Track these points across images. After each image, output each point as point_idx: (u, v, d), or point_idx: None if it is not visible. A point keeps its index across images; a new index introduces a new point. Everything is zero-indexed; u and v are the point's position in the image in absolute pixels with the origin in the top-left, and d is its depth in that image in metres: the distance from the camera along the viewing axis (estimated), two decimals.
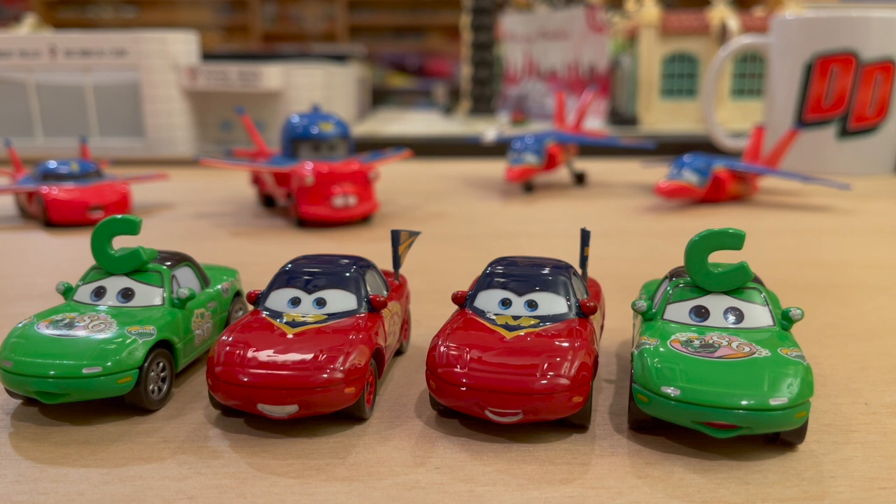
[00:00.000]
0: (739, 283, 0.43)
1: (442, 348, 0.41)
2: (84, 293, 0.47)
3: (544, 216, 0.99)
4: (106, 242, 0.47)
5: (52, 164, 0.95)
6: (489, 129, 1.56)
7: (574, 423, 0.40)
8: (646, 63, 1.74)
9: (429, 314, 0.58)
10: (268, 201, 1.03)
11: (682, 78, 1.77)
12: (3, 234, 0.89)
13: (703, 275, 0.43)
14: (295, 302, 0.45)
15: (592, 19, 1.77)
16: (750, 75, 1.76)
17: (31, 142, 1.42)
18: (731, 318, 0.42)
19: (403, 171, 1.32)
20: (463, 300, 0.46)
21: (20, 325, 0.43)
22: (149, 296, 0.46)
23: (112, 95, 1.40)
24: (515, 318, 0.43)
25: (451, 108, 2.19)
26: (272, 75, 1.39)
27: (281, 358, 0.39)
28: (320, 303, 0.44)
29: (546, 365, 0.38)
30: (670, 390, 0.37)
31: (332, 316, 0.44)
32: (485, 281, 0.46)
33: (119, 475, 0.36)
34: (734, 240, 0.43)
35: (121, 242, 0.49)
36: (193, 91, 1.42)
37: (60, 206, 0.90)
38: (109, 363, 0.40)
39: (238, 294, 0.55)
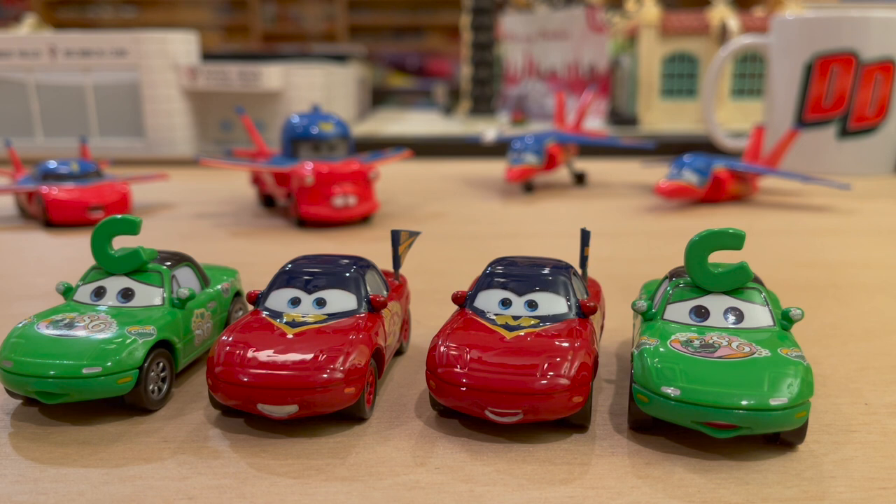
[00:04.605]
0: (739, 283, 0.43)
1: (442, 348, 0.41)
2: (84, 293, 0.47)
3: (544, 216, 0.99)
4: (106, 242, 0.47)
5: (52, 164, 0.95)
6: (489, 129, 1.56)
7: (574, 423, 0.40)
8: (646, 63, 1.74)
9: (429, 314, 0.58)
10: (268, 201, 1.03)
11: (682, 78, 1.77)
12: (3, 234, 0.89)
13: (703, 275, 0.43)
14: (295, 302, 0.45)
15: (592, 19, 1.77)
16: (750, 75, 1.76)
17: (31, 142, 1.42)
18: (731, 318, 0.42)
19: (403, 171, 1.32)
20: (463, 300, 0.46)
21: (20, 325, 0.43)
22: (149, 296, 0.46)
23: (112, 95, 1.40)
24: (515, 318, 0.43)
25: (451, 108, 2.19)
26: (272, 75, 1.39)
27: (281, 358, 0.39)
28: (320, 303, 0.44)
29: (546, 365, 0.38)
30: (670, 390, 0.37)
31: (332, 316, 0.44)
32: (485, 281, 0.46)
33: (119, 475, 0.36)
34: (734, 240, 0.43)
35: (121, 242, 0.49)
36: (193, 91, 1.42)
37: (60, 206, 0.90)
38: (109, 363, 0.40)
39: (238, 294, 0.55)
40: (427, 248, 0.78)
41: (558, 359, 0.39)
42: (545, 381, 0.38)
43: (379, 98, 2.62)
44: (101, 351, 0.40)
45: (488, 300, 0.45)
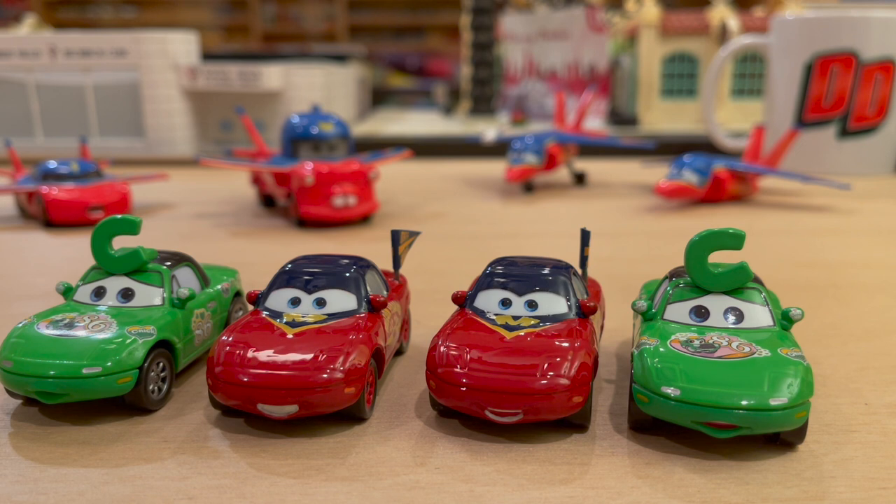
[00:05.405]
0: (739, 283, 0.43)
1: (442, 348, 0.41)
2: (84, 293, 0.47)
3: (544, 216, 0.99)
4: (106, 242, 0.47)
5: (52, 164, 0.95)
6: (489, 129, 1.56)
7: (574, 423, 0.40)
8: (646, 63, 1.74)
9: (429, 314, 0.58)
10: (268, 201, 1.03)
11: (682, 78, 1.77)
12: (3, 234, 0.89)
13: (703, 275, 0.43)
14: (295, 302, 0.45)
15: (592, 19, 1.77)
16: (750, 75, 1.76)
17: (31, 142, 1.42)
18: (731, 318, 0.42)
19: (403, 171, 1.32)
20: (463, 300, 0.46)
21: (20, 325, 0.43)
22: (149, 296, 0.46)
23: (112, 95, 1.40)
24: (515, 318, 0.43)
25: (451, 108, 2.19)
26: (272, 75, 1.39)
27: (281, 358, 0.39)
28: (320, 303, 0.44)
29: (546, 365, 0.38)
30: (670, 390, 0.37)
31: (332, 316, 0.44)
32: (485, 281, 0.46)
33: (119, 475, 0.36)
34: (734, 240, 0.43)
35: (121, 242, 0.49)
36: (193, 91, 1.42)
37: (60, 206, 0.90)
38: (109, 363, 0.40)
39: (238, 294, 0.55)
40: (427, 248, 0.78)
41: (558, 359, 0.39)
42: (545, 381, 0.38)
43: (379, 98, 2.62)
44: (101, 351, 0.40)
45: (488, 300, 0.45)
